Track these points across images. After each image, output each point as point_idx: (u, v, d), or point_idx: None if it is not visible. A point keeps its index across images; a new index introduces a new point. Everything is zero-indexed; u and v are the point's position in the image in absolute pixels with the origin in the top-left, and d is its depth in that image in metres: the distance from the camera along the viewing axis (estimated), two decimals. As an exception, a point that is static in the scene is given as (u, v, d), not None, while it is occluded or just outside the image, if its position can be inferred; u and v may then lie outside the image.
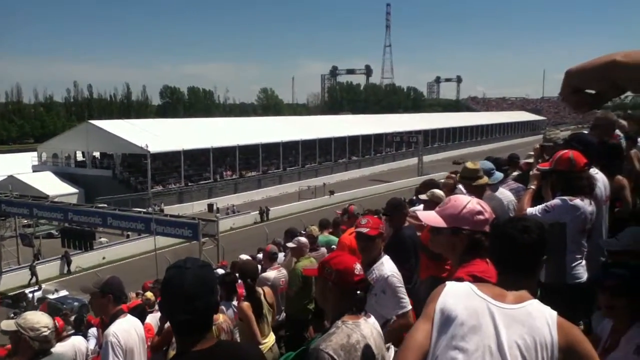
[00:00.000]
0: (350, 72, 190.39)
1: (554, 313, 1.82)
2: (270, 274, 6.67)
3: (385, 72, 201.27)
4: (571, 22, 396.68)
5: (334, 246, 7.38)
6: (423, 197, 5.50)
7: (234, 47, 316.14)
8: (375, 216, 4.76)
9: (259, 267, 7.44)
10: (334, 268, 2.61)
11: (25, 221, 32.36)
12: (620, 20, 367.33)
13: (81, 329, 8.49)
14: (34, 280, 27.53)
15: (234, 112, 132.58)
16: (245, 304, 5.12)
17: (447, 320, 1.81)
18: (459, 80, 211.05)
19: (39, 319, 3.46)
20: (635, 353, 2.52)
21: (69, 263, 29.70)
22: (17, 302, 23.90)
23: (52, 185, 45.14)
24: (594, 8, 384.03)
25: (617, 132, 5.47)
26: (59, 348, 4.31)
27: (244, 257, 9.91)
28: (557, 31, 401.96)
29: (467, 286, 1.90)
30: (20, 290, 25.38)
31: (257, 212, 42.33)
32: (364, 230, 3.72)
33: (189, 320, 1.92)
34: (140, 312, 5.86)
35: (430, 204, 4.86)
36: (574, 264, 3.64)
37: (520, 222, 2.02)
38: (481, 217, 2.40)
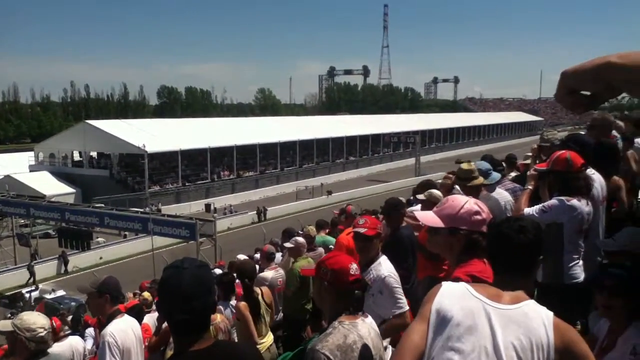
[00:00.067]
0: (348, 72, 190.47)
1: (550, 314, 1.82)
2: (268, 274, 6.68)
3: (383, 73, 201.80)
4: (569, 22, 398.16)
5: (331, 246, 7.39)
6: (421, 197, 5.50)
7: (231, 47, 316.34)
8: (373, 216, 4.77)
9: (257, 267, 7.44)
10: (329, 268, 2.61)
11: (22, 221, 32.28)
12: (618, 20, 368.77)
13: (78, 329, 8.48)
14: (32, 279, 27.47)
15: (231, 112, 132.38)
16: (243, 304, 5.12)
17: (443, 321, 1.80)
18: (456, 80, 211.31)
19: (35, 320, 3.45)
20: (632, 353, 2.52)
21: (66, 263, 29.63)
22: (14, 302, 23.84)
23: (49, 185, 45.03)
24: (592, 8, 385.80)
25: (614, 132, 5.49)
26: (56, 348, 4.30)
27: (242, 257, 9.90)
28: (555, 32, 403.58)
29: (462, 287, 1.89)
30: (17, 290, 25.32)
31: (255, 212, 42.29)
32: (362, 230, 3.72)
33: (187, 320, 1.92)
34: (137, 312, 5.86)
35: (428, 204, 4.87)
36: (571, 264, 3.65)
37: (517, 222, 2.02)
38: (478, 217, 2.41)
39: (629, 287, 2.63)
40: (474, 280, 2.20)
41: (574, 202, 3.55)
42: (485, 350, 1.73)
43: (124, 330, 3.82)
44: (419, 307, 1.94)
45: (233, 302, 5.73)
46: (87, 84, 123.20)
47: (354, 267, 2.58)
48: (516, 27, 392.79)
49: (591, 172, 3.83)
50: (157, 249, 23.67)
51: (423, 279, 4.74)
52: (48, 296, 22.30)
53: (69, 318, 11.23)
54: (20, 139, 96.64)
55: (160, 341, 5.34)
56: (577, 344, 1.80)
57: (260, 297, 5.28)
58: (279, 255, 8.61)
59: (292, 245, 6.57)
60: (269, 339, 5.33)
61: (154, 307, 7.35)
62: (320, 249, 7.49)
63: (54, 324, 5.21)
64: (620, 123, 6.01)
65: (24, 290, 24.82)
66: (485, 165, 5.14)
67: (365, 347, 2.41)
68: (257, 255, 11.46)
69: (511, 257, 1.94)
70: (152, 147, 46.40)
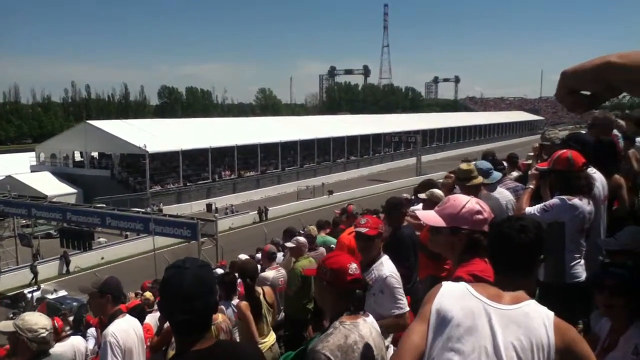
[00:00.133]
0: (349, 72, 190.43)
1: (551, 314, 1.81)
2: (269, 273, 6.68)
3: (383, 73, 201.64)
4: (569, 22, 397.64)
5: (332, 246, 7.40)
6: (422, 196, 5.51)
7: (232, 47, 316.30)
8: (374, 216, 4.78)
9: (259, 266, 7.45)
10: (328, 267, 2.61)
11: (24, 221, 32.32)
12: (618, 20, 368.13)
13: (80, 329, 8.48)
14: (32, 280, 27.49)
15: (232, 112, 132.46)
16: (244, 304, 5.12)
17: (443, 321, 1.80)
18: (457, 80, 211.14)
19: (37, 320, 3.46)
20: (633, 353, 2.52)
21: (67, 263, 29.67)
22: (16, 302, 23.88)
23: (50, 186, 45.09)
24: (592, 8, 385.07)
25: (615, 132, 5.49)
26: (57, 348, 4.31)
27: (243, 256, 9.92)
28: (555, 31, 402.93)
29: (463, 287, 1.89)
30: (19, 291, 25.36)
31: (256, 212, 42.29)
32: (363, 230, 3.72)
33: (188, 320, 1.92)
34: (139, 312, 5.86)
35: (430, 204, 4.88)
36: (572, 264, 3.65)
37: (518, 222, 2.01)
38: (480, 216, 2.41)
39: (630, 286, 2.63)
40: (476, 279, 2.20)
41: (576, 201, 3.55)
42: (486, 351, 1.72)
43: (126, 330, 3.82)
44: (420, 306, 1.94)
45: (235, 301, 5.73)
46: (88, 84, 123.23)
47: (353, 267, 2.58)
48: (516, 26, 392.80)
49: (592, 171, 3.83)
50: (159, 249, 23.69)
51: (425, 278, 4.74)
52: (50, 296, 22.30)
53: (71, 318, 11.23)
54: (21, 140, 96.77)
55: (162, 341, 5.35)
56: (578, 344, 1.79)
57: (262, 296, 5.28)
58: (280, 255, 8.61)
59: (293, 245, 6.57)
60: (270, 338, 5.34)
61: (155, 307, 7.35)
62: (322, 249, 7.49)
63: (56, 324, 5.22)
64: (622, 122, 6.01)
65: (25, 291, 24.85)
66: (486, 164, 5.14)
67: (366, 347, 2.41)
68: (259, 255, 11.47)
69: (512, 257, 1.94)
70: (153, 147, 46.44)
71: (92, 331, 7.19)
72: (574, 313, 3.42)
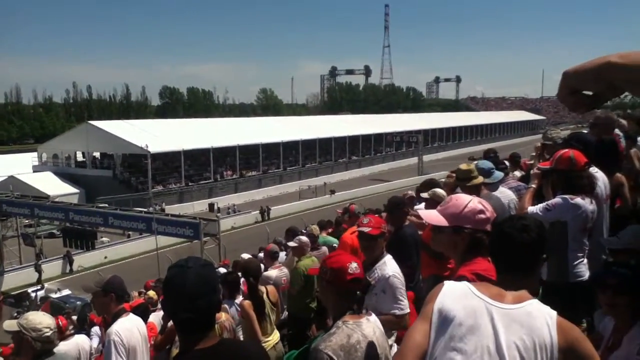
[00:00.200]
0: (350, 72, 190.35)
1: (554, 313, 1.80)
2: (272, 272, 6.69)
3: (385, 73, 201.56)
4: (570, 22, 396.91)
5: (335, 245, 7.41)
6: (424, 195, 5.52)
7: (233, 47, 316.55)
8: (377, 215, 4.79)
9: (262, 266, 7.46)
10: (328, 267, 2.62)
11: (27, 221, 32.38)
12: (619, 20, 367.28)
13: (84, 328, 8.51)
14: (39, 279, 27.58)
15: (233, 112, 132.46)
16: (247, 302, 5.13)
17: (445, 321, 1.80)
18: (458, 80, 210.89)
19: (41, 320, 3.48)
20: (638, 353, 2.51)
21: (71, 262, 29.71)
22: (20, 302, 23.92)
23: (52, 186, 45.14)
24: (593, 8, 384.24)
25: (617, 131, 5.48)
26: (62, 347, 4.32)
27: (246, 256, 9.93)
28: (556, 31, 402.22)
29: (465, 286, 1.88)
30: (23, 290, 25.42)
31: (258, 211, 42.28)
32: (366, 229, 3.73)
33: (192, 318, 1.94)
34: (142, 311, 5.88)
35: (432, 203, 4.88)
36: (575, 263, 3.66)
37: (520, 221, 2.01)
38: (483, 216, 2.40)
39: (633, 285, 2.63)
40: (479, 278, 2.20)
41: (578, 200, 3.56)
42: (488, 350, 1.72)
43: (130, 329, 3.84)
44: (422, 306, 1.95)
45: (238, 300, 5.74)
46: (89, 85, 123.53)
47: (353, 266, 2.57)
48: (518, 26, 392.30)
49: (594, 170, 3.84)
50: (161, 248, 23.68)
51: (427, 278, 4.75)
52: (53, 295, 22.35)
53: (75, 317, 11.26)
54: (23, 140, 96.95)
55: (165, 340, 5.35)
56: (581, 344, 1.78)
57: (265, 295, 5.30)
58: (282, 255, 8.63)
59: (296, 244, 6.58)
60: (274, 337, 5.35)
61: (159, 305, 7.37)
62: (324, 248, 7.51)
63: (60, 323, 5.25)
64: (623, 121, 6.00)
65: (29, 290, 24.91)
66: (488, 164, 5.15)
67: (370, 347, 2.41)
68: (261, 255, 11.49)
69: (514, 256, 1.93)
70: (154, 148, 46.50)
71: (96, 330, 7.22)
72: (577, 312, 3.43)
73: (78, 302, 19.65)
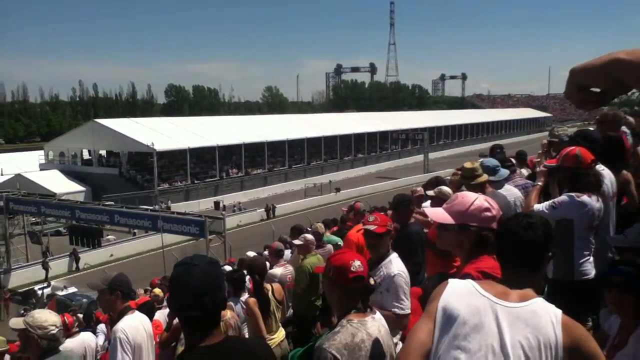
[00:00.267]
0: (355, 70, 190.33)
1: (559, 312, 1.79)
2: (277, 270, 6.71)
3: (390, 70, 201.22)
4: (577, 19, 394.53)
5: (340, 243, 7.41)
6: (430, 193, 5.50)
7: (238, 45, 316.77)
8: (383, 213, 4.78)
9: (267, 263, 7.48)
10: (332, 264, 2.62)
11: (34, 219, 32.55)
12: (626, 17, 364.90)
13: (90, 325, 8.55)
14: (47, 276, 27.77)
15: (239, 110, 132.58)
16: (252, 300, 5.15)
17: (450, 319, 1.79)
18: (463, 77, 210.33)
19: (47, 318, 3.49)
20: None
21: (77, 260, 29.89)
22: (26, 299, 24.10)
23: (59, 184, 45.39)
24: (600, 5, 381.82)
25: (624, 128, 5.45)
26: (68, 344, 4.35)
27: (251, 254, 9.94)
28: (563, 28, 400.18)
29: (469, 284, 1.87)
30: (30, 287, 25.58)
31: (264, 209, 42.36)
32: (372, 227, 3.72)
33: (197, 316, 1.94)
34: (148, 309, 5.90)
35: (438, 201, 4.87)
36: (581, 261, 3.64)
37: (525, 219, 1.99)
38: (489, 213, 2.39)
39: (639, 284, 2.62)
40: (485, 276, 2.19)
41: (584, 198, 3.54)
42: (492, 349, 1.71)
43: (135, 326, 3.85)
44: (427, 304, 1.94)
45: (243, 298, 5.76)
46: (96, 83, 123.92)
47: (356, 264, 2.56)
48: (524, 23, 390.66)
49: (601, 168, 3.82)
50: (167, 246, 23.76)
51: (433, 276, 4.74)
52: (60, 293, 22.48)
53: (81, 315, 11.32)
54: (30, 138, 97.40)
55: (171, 337, 5.38)
56: (586, 343, 1.77)
57: (270, 293, 5.30)
58: (288, 252, 8.64)
59: (301, 243, 6.59)
60: (280, 334, 5.36)
61: (165, 303, 7.40)
62: (329, 246, 7.52)
63: (66, 320, 5.27)
64: (631, 119, 5.96)
65: (36, 287, 25.08)
66: (493, 162, 5.13)
67: (374, 346, 2.41)
68: (266, 252, 11.50)
69: (519, 254, 1.92)
70: (160, 146, 46.65)
71: (101, 327, 7.26)
72: (583, 310, 3.42)
73: (84, 300, 19.76)
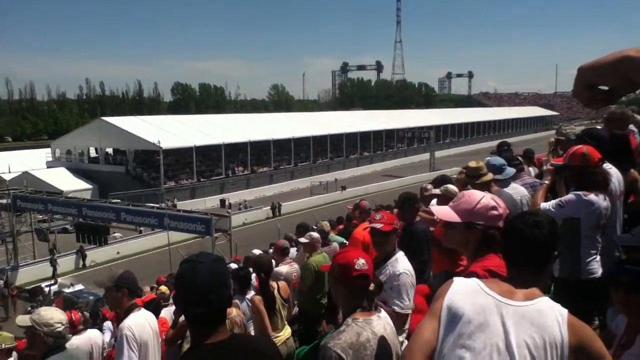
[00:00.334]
0: (361, 68, 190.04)
1: (565, 311, 1.78)
2: (283, 268, 6.72)
3: (396, 68, 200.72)
4: (585, 16, 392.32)
5: (345, 242, 7.41)
6: (436, 191, 5.49)
7: (244, 43, 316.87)
8: (389, 211, 4.78)
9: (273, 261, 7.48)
10: (336, 262, 2.62)
11: (41, 216, 32.73)
12: (634, 16, 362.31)
13: (97, 322, 8.59)
14: (55, 273, 27.91)
15: (245, 108, 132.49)
16: (257, 298, 5.15)
17: (454, 318, 1.78)
18: (470, 75, 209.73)
19: (53, 315, 3.51)
20: None
21: (83, 257, 30.03)
22: (33, 296, 24.24)
23: (66, 181, 45.63)
24: (607, 3, 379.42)
25: (632, 127, 5.42)
26: (74, 341, 4.37)
27: (257, 252, 9.96)
28: (570, 26, 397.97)
29: (474, 283, 1.87)
30: (37, 284, 25.72)
31: (269, 207, 42.40)
32: (378, 225, 3.72)
33: (203, 313, 1.95)
34: (154, 306, 5.91)
35: (444, 199, 4.86)
36: (588, 260, 3.62)
37: (531, 217, 1.98)
38: (495, 212, 2.38)
39: (646, 283, 2.60)
40: (491, 275, 2.18)
41: (592, 197, 3.52)
42: (497, 348, 1.70)
43: (142, 323, 3.87)
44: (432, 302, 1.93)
45: (249, 296, 5.77)
46: (102, 81, 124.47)
47: (360, 262, 2.55)
48: (531, 21, 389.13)
49: (608, 166, 3.80)
50: (173, 244, 23.81)
51: (439, 274, 4.73)
52: (67, 290, 22.59)
53: (87, 313, 11.37)
54: (37, 136, 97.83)
55: (177, 334, 5.39)
56: (592, 342, 1.76)
57: (276, 291, 5.31)
58: (293, 250, 8.64)
59: (307, 241, 6.59)
60: (285, 332, 5.36)
61: (171, 300, 7.42)
62: (335, 244, 7.52)
63: (73, 317, 5.30)
64: (638, 117, 5.93)
65: (43, 284, 25.20)
66: (500, 160, 5.11)
67: (380, 344, 2.41)
68: (272, 250, 11.51)
69: (525, 253, 1.91)
70: (167, 144, 46.81)
71: (108, 324, 7.28)
72: (590, 309, 3.40)
73: (91, 297, 19.85)
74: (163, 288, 8.59)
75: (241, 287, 5.87)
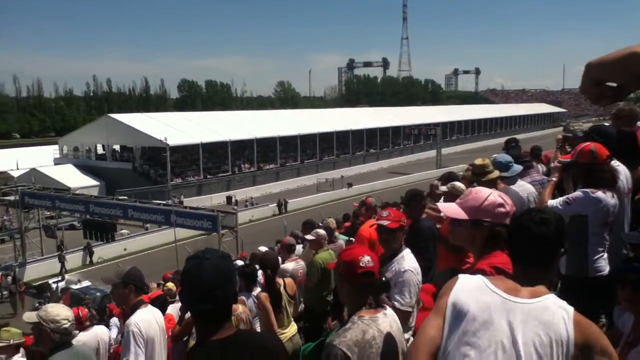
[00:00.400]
0: (368, 64, 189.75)
1: (571, 308, 1.77)
2: (289, 265, 6.72)
3: (403, 65, 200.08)
4: (592, 13, 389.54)
5: (351, 238, 7.41)
6: (443, 188, 5.47)
7: (250, 40, 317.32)
8: (396, 208, 4.76)
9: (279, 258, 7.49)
10: (342, 260, 2.62)
11: (48, 213, 32.92)
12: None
13: (104, 319, 8.63)
14: (63, 270, 28.08)
15: (251, 105, 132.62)
16: (263, 295, 5.16)
17: (459, 315, 1.78)
18: (477, 72, 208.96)
19: (59, 312, 3.53)
20: None
21: (91, 254, 30.19)
22: (41, 292, 24.40)
23: (73, 178, 45.82)
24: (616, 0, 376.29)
25: (639, 124, 5.38)
26: (81, 337, 4.39)
27: (263, 249, 9.97)
28: (578, 22, 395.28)
29: (479, 280, 1.86)
30: (45, 281, 25.88)
31: (276, 204, 42.44)
32: (385, 222, 3.71)
33: (209, 309, 1.95)
34: (161, 303, 5.94)
35: (450, 197, 4.85)
36: (595, 257, 3.61)
37: (538, 214, 1.97)
38: (502, 209, 2.37)
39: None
40: (497, 272, 2.18)
41: (599, 194, 3.50)
42: (502, 346, 1.70)
43: (148, 320, 3.89)
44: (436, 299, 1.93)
45: (255, 292, 5.78)
46: (109, 78, 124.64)
47: (365, 260, 2.55)
48: (539, 17, 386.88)
49: (616, 163, 3.77)
50: (180, 240, 23.88)
51: (444, 271, 4.72)
52: (74, 286, 22.70)
53: (94, 309, 11.42)
54: (45, 133, 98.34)
55: (183, 331, 5.41)
56: (598, 340, 1.75)
57: (282, 288, 5.32)
58: (299, 247, 8.65)
59: (313, 238, 6.59)
60: (291, 329, 5.37)
61: (177, 297, 7.43)
62: (341, 241, 7.51)
63: (80, 313, 5.32)
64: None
65: (50, 281, 25.37)
66: (506, 157, 5.09)
67: (385, 342, 2.41)
68: (278, 247, 11.51)
69: (531, 250, 1.90)
70: (173, 140, 46.94)
71: (115, 320, 7.31)
72: (597, 307, 3.39)
73: (98, 294, 19.95)
74: (170, 285, 8.62)
75: (247, 283, 5.88)
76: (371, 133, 69.21)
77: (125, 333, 3.87)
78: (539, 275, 1.87)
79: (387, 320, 2.51)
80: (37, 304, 19.02)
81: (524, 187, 4.88)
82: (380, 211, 4.29)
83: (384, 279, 2.70)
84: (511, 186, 4.79)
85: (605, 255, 3.63)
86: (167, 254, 25.40)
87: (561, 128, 6.61)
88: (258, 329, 5.34)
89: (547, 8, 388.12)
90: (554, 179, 3.90)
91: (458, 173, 6.53)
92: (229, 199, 45.33)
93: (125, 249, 31.52)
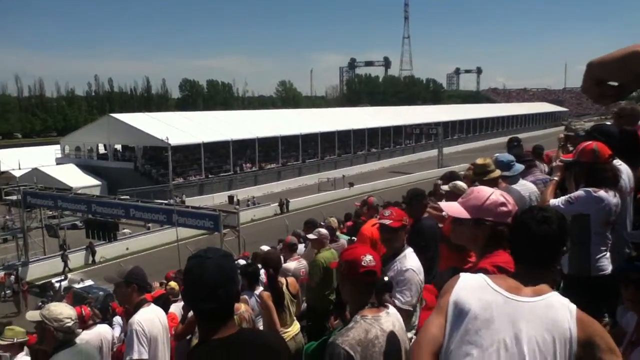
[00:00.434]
0: (369, 64, 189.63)
1: (573, 306, 1.77)
2: (291, 264, 6.72)
3: (404, 64, 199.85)
4: (594, 12, 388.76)
5: (353, 238, 7.41)
6: (445, 188, 5.47)
7: (252, 40, 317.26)
8: (398, 207, 4.76)
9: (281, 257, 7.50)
10: (343, 259, 2.62)
11: (50, 212, 32.97)
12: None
13: (107, 318, 8.65)
14: (66, 269, 28.13)
15: (253, 104, 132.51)
16: (266, 294, 5.17)
17: (461, 314, 1.78)
18: (478, 71, 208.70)
19: (62, 310, 3.54)
20: None
21: (93, 253, 30.23)
22: (44, 291, 24.46)
23: (75, 178, 45.89)
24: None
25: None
26: (84, 336, 4.39)
27: (265, 248, 9.98)
28: (580, 21, 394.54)
29: (481, 279, 1.86)
30: (47, 280, 25.93)
31: (277, 203, 42.46)
32: (387, 222, 3.71)
33: (211, 308, 1.96)
34: (164, 302, 5.95)
35: (452, 196, 4.85)
36: (598, 256, 3.60)
37: (540, 213, 1.97)
38: (504, 208, 2.37)
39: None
40: (500, 271, 2.18)
41: (601, 193, 3.50)
42: (505, 344, 1.70)
43: (151, 319, 3.90)
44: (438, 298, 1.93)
45: (258, 291, 5.78)
46: (111, 78, 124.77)
47: (367, 259, 2.55)
48: (540, 16, 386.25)
49: (618, 163, 3.77)
50: (182, 240, 23.90)
51: (447, 270, 4.72)
52: (76, 286, 22.74)
53: (97, 308, 11.43)
54: (46, 133, 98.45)
55: (186, 329, 5.42)
56: (601, 338, 1.75)
57: (285, 287, 5.32)
58: (301, 247, 8.66)
59: (315, 237, 6.59)
60: (294, 328, 5.37)
61: (180, 296, 7.44)
62: (343, 240, 7.52)
63: (83, 312, 5.34)
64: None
65: (53, 280, 25.42)
66: (508, 157, 5.08)
67: (388, 341, 2.41)
68: (280, 247, 11.52)
69: (533, 248, 1.90)
70: (175, 140, 46.92)
71: (117, 319, 7.33)
72: (600, 306, 3.39)
73: (100, 293, 19.97)
74: (172, 284, 8.62)
75: (250, 283, 5.88)
76: (372, 132, 69.16)
77: (128, 332, 3.88)
78: (540, 274, 1.87)
79: (389, 319, 2.51)
80: (40, 303, 19.08)
81: (526, 186, 4.88)
82: (382, 210, 4.29)
83: (386, 278, 2.70)
84: (513, 185, 4.79)
85: (608, 254, 3.63)
86: (169, 253, 25.41)
87: (563, 127, 6.60)
88: (261, 328, 5.34)
89: (549, 7, 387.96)
90: (555, 178, 3.89)
91: (459, 172, 6.53)
92: (230, 198, 45.34)
93: (127, 249, 31.56)
